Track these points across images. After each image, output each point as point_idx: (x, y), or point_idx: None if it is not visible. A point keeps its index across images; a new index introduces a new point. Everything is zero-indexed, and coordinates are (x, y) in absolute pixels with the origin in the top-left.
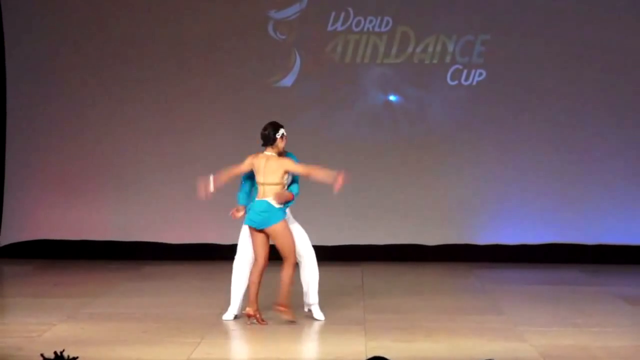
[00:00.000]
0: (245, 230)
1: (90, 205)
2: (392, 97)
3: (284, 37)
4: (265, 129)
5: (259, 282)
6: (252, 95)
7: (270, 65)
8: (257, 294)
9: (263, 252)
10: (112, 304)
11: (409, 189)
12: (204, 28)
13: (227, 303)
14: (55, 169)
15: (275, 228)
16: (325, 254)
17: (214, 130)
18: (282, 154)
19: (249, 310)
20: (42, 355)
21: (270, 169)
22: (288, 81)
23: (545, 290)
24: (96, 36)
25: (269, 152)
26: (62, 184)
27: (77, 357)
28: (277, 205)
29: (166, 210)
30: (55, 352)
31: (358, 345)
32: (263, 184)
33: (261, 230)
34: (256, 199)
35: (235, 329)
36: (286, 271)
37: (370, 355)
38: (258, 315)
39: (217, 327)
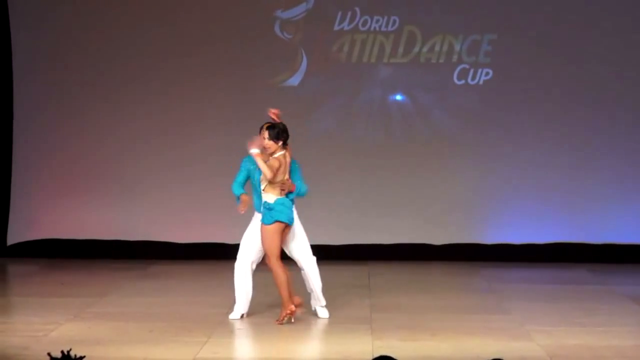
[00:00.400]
0: (251, 229)
1: (96, 204)
2: (398, 97)
3: (290, 36)
4: (285, 130)
5: None
6: (258, 94)
7: (276, 65)
8: None
9: None
10: (119, 303)
11: (415, 188)
12: (209, 27)
13: (234, 302)
14: (61, 168)
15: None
16: (332, 253)
17: (219, 129)
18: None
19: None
20: (49, 354)
21: (289, 166)
22: (294, 81)
23: (552, 290)
24: (101, 36)
25: (283, 151)
26: (68, 183)
27: (84, 357)
28: None
29: (172, 210)
30: (62, 352)
31: (364, 344)
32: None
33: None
34: (281, 197)
35: (241, 328)
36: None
37: (377, 355)
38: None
39: (223, 326)
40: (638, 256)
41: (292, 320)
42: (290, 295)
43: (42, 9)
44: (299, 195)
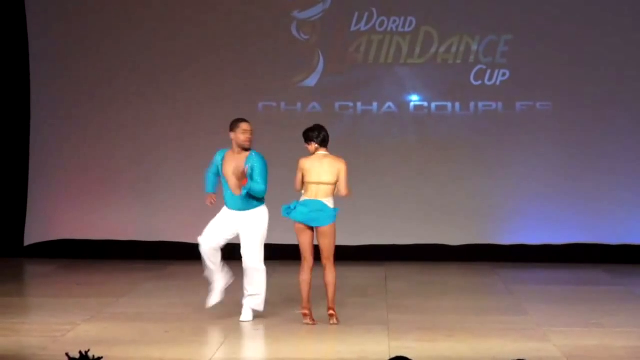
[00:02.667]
0: (222, 214)
1: (113, 205)
2: (415, 97)
3: (307, 37)
4: (322, 130)
5: (310, 281)
6: (276, 95)
7: (293, 66)
8: (309, 292)
9: (312, 250)
10: (135, 303)
11: (432, 189)
12: (227, 28)
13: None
14: (78, 169)
15: (329, 228)
16: (349, 254)
17: None
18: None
19: (305, 310)
20: (67, 354)
21: (326, 169)
22: (311, 81)
23: (568, 291)
24: (120, 38)
25: (324, 152)
26: (85, 184)
27: (102, 357)
28: (331, 206)
29: (189, 210)
30: (80, 352)
31: (381, 345)
32: (318, 184)
33: (311, 229)
34: (307, 198)
35: (258, 329)
36: (333, 274)
37: (393, 355)
38: (311, 315)
39: (239, 326)
40: None
41: (305, 322)
42: (309, 298)
43: (60, 10)
44: (251, 192)
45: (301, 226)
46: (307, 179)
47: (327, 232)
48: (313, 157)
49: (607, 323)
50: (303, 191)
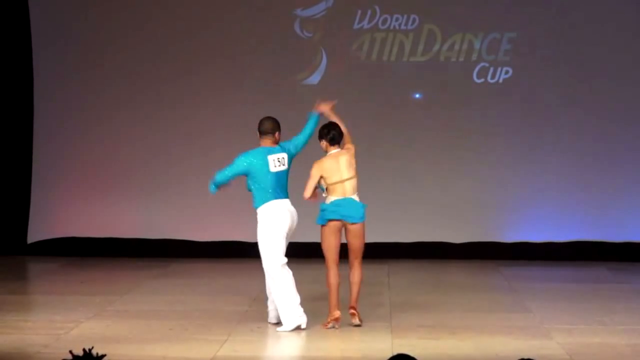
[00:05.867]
0: (280, 227)
1: (117, 203)
2: (417, 96)
3: (310, 35)
4: (330, 130)
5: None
6: (279, 93)
7: (296, 63)
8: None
9: (338, 252)
10: (139, 301)
11: (435, 187)
12: (230, 26)
13: (253, 300)
14: (82, 168)
15: (361, 226)
16: None
17: (240, 128)
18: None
19: (337, 314)
20: (70, 352)
21: (346, 164)
22: (314, 79)
23: (571, 288)
24: (124, 39)
25: (335, 150)
26: (89, 182)
27: (105, 355)
28: (359, 201)
29: (193, 208)
30: (83, 350)
31: (384, 342)
32: (342, 182)
33: (339, 230)
34: (336, 198)
35: (260, 326)
36: (360, 273)
37: (396, 353)
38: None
39: (243, 324)
40: None
41: (337, 327)
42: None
43: (64, 10)
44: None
45: (332, 228)
46: (330, 181)
47: (359, 231)
48: (326, 158)
49: (610, 321)
50: (327, 194)
